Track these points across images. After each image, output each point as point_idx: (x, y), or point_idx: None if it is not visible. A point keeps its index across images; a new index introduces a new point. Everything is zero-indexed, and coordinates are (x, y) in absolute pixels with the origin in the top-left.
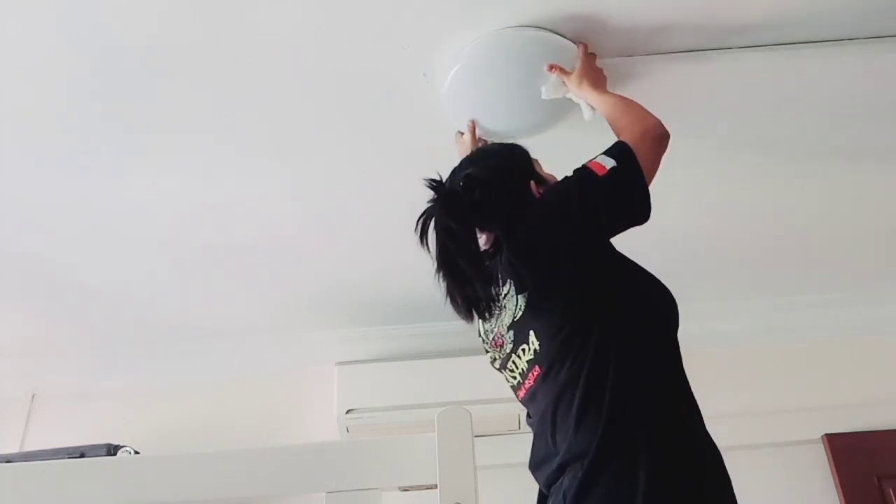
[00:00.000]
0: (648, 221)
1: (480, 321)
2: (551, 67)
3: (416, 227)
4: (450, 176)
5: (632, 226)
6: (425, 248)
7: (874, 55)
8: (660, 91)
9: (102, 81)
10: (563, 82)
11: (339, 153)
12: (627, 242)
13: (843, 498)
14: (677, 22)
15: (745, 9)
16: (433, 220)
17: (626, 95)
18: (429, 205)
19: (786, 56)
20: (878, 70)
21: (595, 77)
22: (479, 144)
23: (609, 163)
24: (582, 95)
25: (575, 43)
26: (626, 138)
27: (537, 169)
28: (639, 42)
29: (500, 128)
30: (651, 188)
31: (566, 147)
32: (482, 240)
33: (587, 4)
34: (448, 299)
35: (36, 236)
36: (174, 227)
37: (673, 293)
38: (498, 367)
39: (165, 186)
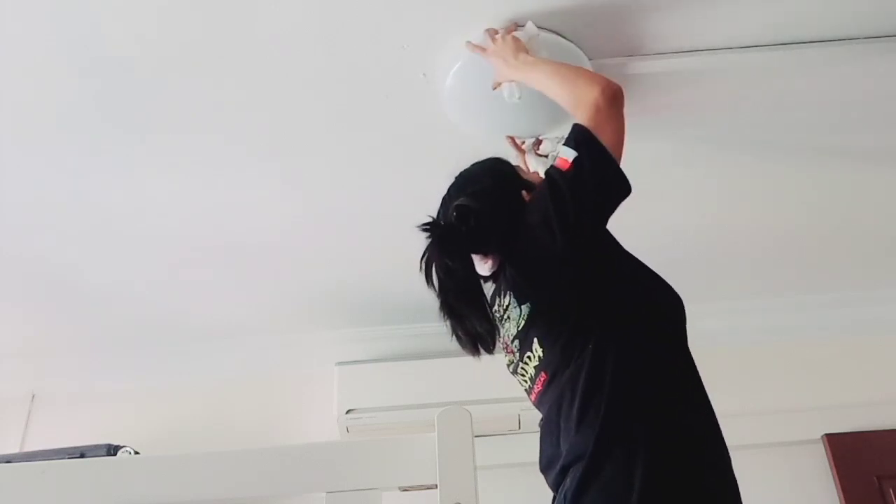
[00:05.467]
0: (648, 219)
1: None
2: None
3: (421, 268)
4: (441, 207)
5: (616, 204)
6: (431, 287)
7: (874, 55)
8: (659, 91)
9: (103, 82)
10: (513, 84)
11: (339, 153)
12: (626, 242)
13: (843, 498)
14: (676, 22)
15: (744, 8)
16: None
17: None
18: (427, 243)
19: (785, 56)
20: (878, 70)
21: (507, 55)
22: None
23: (570, 154)
24: (513, 78)
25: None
26: (579, 118)
27: (523, 176)
28: (639, 42)
29: (500, 128)
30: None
31: None
32: (487, 264)
33: (587, 4)
34: (453, 336)
35: (36, 236)
36: (174, 227)
37: None
38: (511, 371)
39: (165, 186)
